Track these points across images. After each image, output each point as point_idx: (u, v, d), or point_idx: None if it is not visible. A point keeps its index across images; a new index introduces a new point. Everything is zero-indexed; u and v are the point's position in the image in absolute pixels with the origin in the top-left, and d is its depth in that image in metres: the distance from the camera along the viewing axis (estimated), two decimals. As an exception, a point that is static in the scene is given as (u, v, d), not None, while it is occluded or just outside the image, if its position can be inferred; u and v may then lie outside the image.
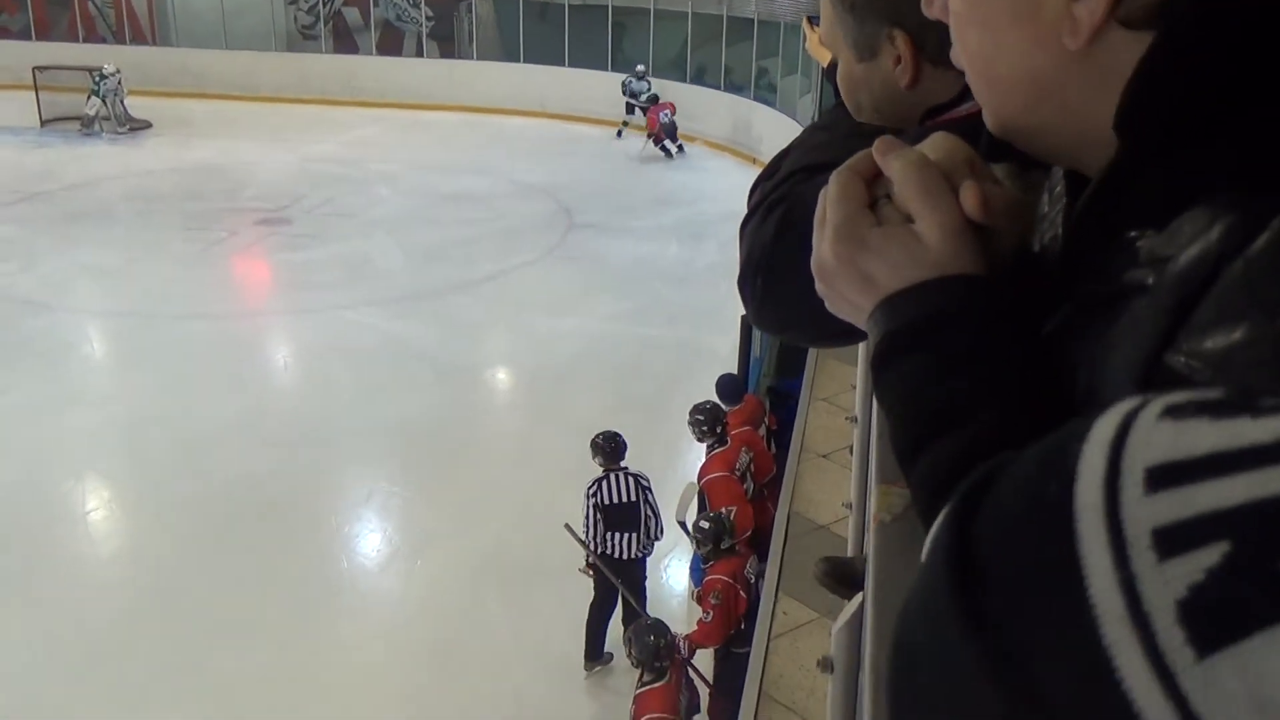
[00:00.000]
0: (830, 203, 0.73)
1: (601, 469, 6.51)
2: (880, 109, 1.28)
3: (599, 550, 6.30)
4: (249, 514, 7.89)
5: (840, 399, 4.79)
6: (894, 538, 0.74)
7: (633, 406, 9.60)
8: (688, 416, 6.83)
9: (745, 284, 1.21)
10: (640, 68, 19.26)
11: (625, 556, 6.30)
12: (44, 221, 14.21)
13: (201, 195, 15.48)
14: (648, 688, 4.85)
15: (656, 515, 6.45)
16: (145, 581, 7.25)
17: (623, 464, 6.54)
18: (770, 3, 18.46)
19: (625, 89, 19.12)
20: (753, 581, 5.42)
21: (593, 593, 6.47)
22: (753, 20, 18.49)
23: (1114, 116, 0.60)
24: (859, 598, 1.54)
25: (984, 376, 0.64)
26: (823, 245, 0.72)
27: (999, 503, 0.42)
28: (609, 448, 6.54)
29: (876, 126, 1.25)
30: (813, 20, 3.12)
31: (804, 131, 1.46)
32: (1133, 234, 0.59)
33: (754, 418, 7.24)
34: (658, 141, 18.06)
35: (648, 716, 4.73)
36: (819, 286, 0.74)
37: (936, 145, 0.71)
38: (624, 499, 6.33)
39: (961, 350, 0.65)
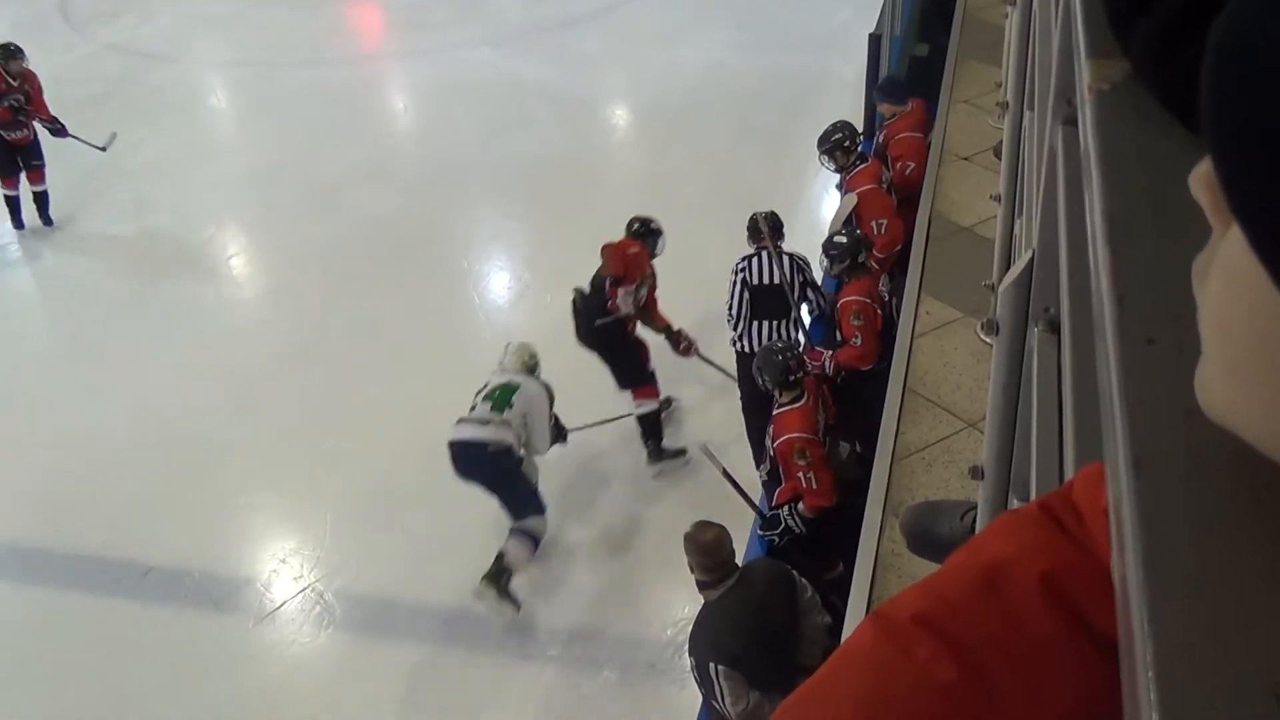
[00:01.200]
0: None
1: (753, 247, 5.83)
2: None
3: (740, 347, 5.75)
4: (382, 254, 8.09)
5: (982, 100, 4.57)
6: (1114, 108, 0.68)
7: (757, 136, 9.41)
8: (819, 145, 6.31)
9: None
10: None
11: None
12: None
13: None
14: (786, 409, 4.83)
15: (816, 301, 5.77)
16: (290, 322, 7.56)
17: (780, 245, 5.79)
18: None
19: None
20: (887, 299, 5.32)
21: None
22: None
23: None
24: (1027, 255, 1.47)
25: None
26: None
27: None
28: (760, 228, 5.77)
29: None
30: None
31: None
32: None
33: (923, 124, 6.37)
34: None
35: (788, 435, 4.75)
36: None
37: None
38: (774, 281, 5.69)
39: None
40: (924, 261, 3.58)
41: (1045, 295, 1.37)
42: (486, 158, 9.39)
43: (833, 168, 6.35)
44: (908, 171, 6.11)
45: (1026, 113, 2.33)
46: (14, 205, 8.63)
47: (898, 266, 5.58)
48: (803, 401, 4.84)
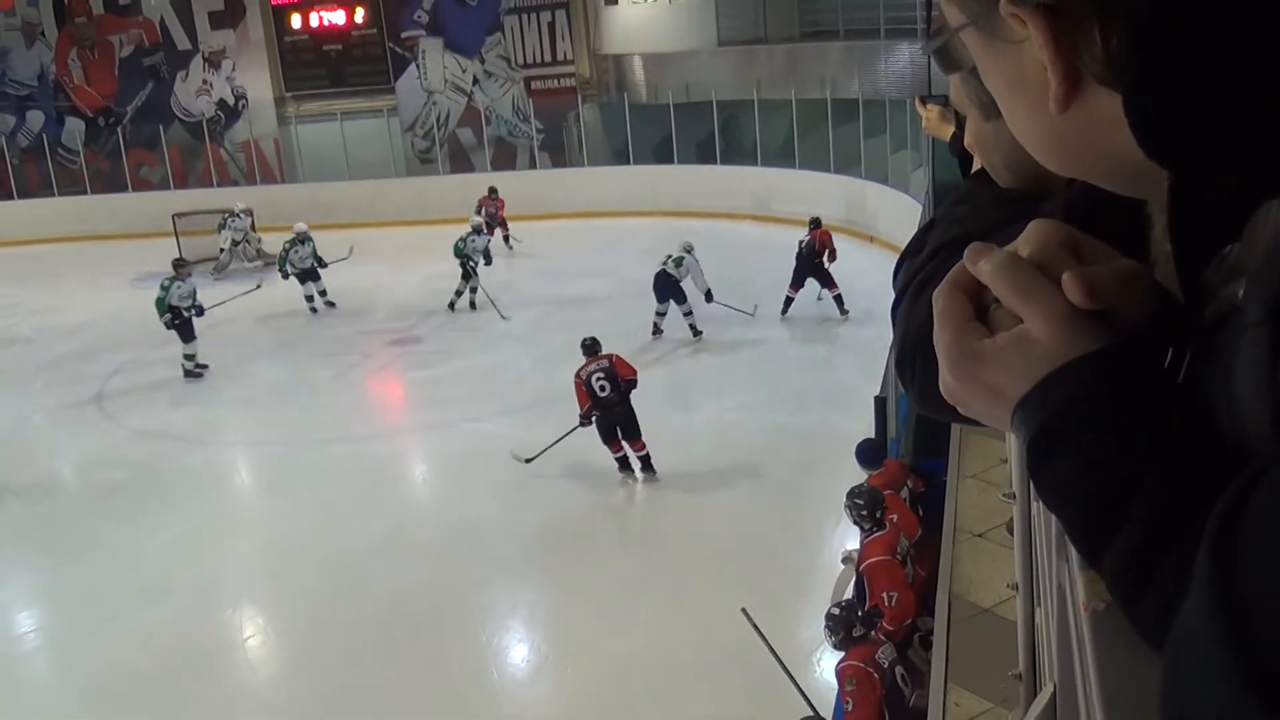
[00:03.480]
0: (936, 326, 0.71)
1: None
2: (1013, 167, 1.26)
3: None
4: (401, 632, 7.98)
5: (991, 474, 4.65)
6: (1109, 628, 0.69)
7: (770, 495, 9.51)
8: (845, 500, 6.63)
9: (904, 367, 1.18)
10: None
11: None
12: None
13: (335, 321, 16.03)
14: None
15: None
16: (304, 705, 7.36)
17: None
18: (874, 82, 18.52)
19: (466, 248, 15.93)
20: (885, 667, 5.32)
21: None
22: (857, 100, 18.55)
23: (1142, 153, 0.61)
24: (1049, 689, 1.45)
25: (1135, 451, 0.60)
26: (941, 369, 0.71)
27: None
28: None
29: (1015, 192, 1.23)
30: (925, 99, 3.09)
31: (944, 205, 1.43)
32: (1226, 249, 0.57)
33: (896, 481, 7.12)
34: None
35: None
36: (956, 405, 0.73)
37: (1030, 237, 0.69)
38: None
39: (1103, 433, 0.62)
40: (947, 648, 3.52)
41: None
42: (503, 527, 9.46)
43: (852, 521, 6.62)
44: (909, 548, 6.35)
45: (1034, 503, 2.35)
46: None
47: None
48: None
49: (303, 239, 16.51)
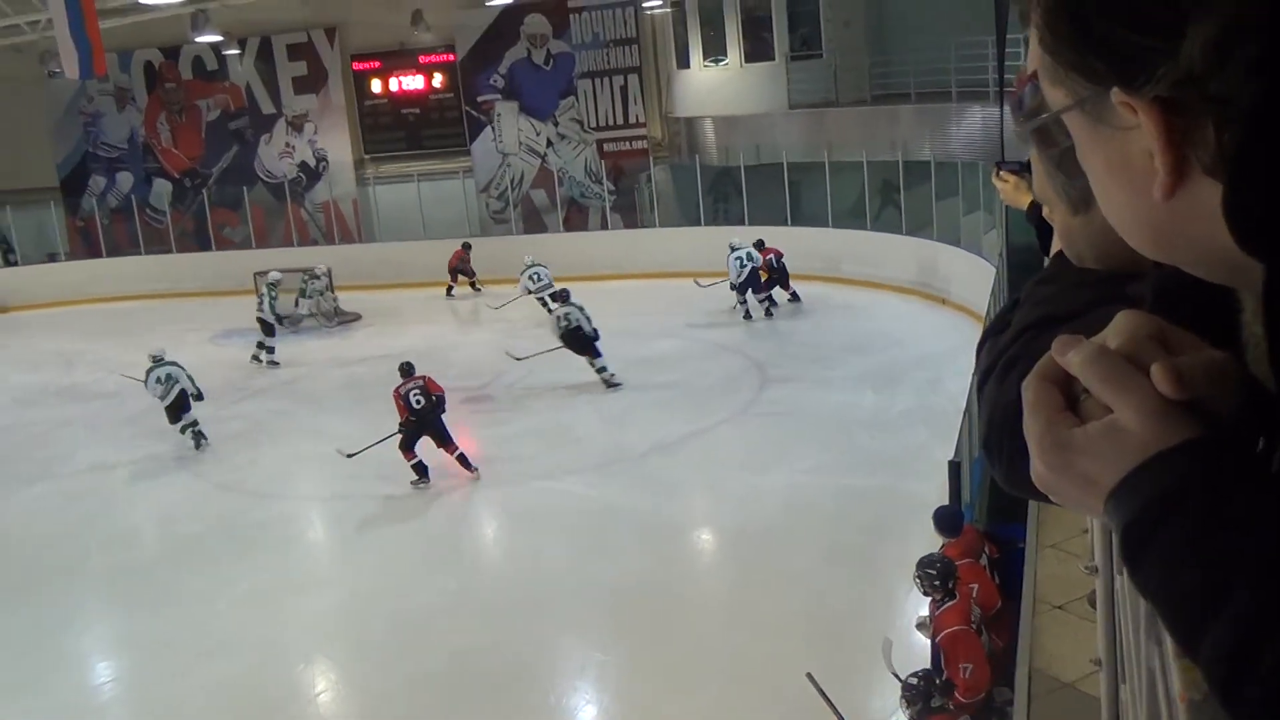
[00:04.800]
0: (1026, 415, 0.72)
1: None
2: (1101, 257, 1.26)
3: None
4: (470, 691, 7.99)
5: (1071, 544, 4.56)
6: (1207, 719, 0.69)
7: (841, 559, 9.41)
8: (916, 570, 6.52)
9: (991, 448, 1.19)
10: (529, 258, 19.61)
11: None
12: (268, 415, 15.18)
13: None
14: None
15: None
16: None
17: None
18: (945, 144, 18.49)
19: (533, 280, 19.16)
20: None
21: None
22: (929, 162, 18.52)
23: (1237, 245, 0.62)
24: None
25: (1232, 541, 0.60)
26: (1033, 459, 0.72)
27: None
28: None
29: (1101, 273, 1.24)
30: (1000, 166, 3.07)
31: (1028, 286, 1.44)
32: None
33: (973, 549, 6.99)
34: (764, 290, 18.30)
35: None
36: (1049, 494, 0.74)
37: (1118, 328, 0.70)
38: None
39: (1197, 522, 0.62)
40: (1029, 723, 3.46)
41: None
42: (573, 586, 9.45)
43: (922, 591, 6.48)
44: (980, 617, 6.27)
45: (1118, 577, 2.32)
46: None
47: None
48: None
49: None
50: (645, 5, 21.19)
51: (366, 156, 25.31)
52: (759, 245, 17.92)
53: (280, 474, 12.89)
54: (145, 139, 26.35)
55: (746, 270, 17.63)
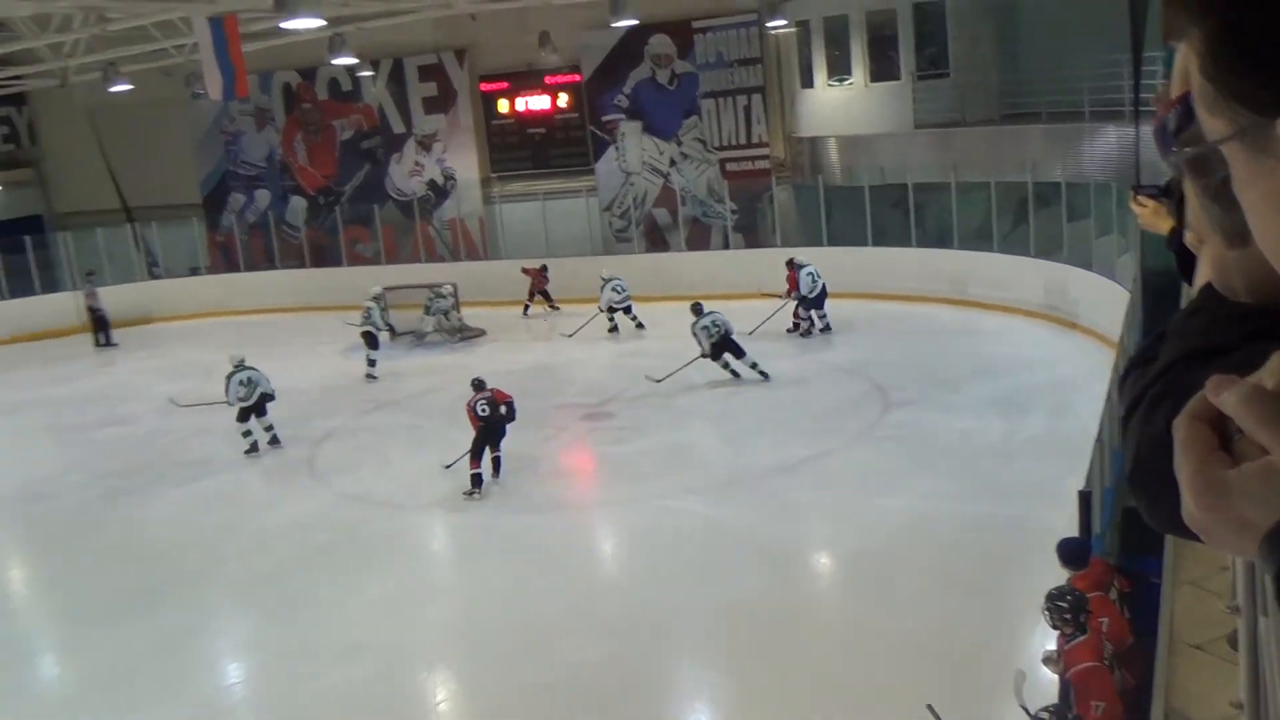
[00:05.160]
0: (1178, 455, 0.71)
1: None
2: (1255, 290, 1.24)
3: None
4: (585, 706, 8.06)
5: (1209, 582, 4.41)
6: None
7: (963, 588, 9.23)
8: (1045, 602, 6.31)
9: (1137, 484, 1.18)
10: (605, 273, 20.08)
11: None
12: (395, 427, 15.57)
13: (532, 394, 16.43)
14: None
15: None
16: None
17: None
18: (1077, 165, 18.05)
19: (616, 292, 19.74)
20: None
21: None
22: (1059, 184, 18.09)
23: None
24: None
25: None
26: (1185, 499, 0.71)
27: None
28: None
29: (1255, 307, 1.21)
30: (1138, 190, 3.00)
31: (1175, 318, 1.42)
32: None
33: (1102, 582, 6.77)
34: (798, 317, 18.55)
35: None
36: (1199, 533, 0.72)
37: (1273, 368, 0.69)
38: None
39: None
40: (1165, 766, 3.34)
41: None
42: (691, 604, 9.46)
43: (1051, 625, 6.27)
44: (1112, 652, 6.08)
45: (1262, 618, 2.24)
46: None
47: None
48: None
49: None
50: (769, 25, 21.15)
51: (493, 175, 25.81)
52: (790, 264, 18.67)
53: (407, 485, 13.19)
54: (282, 158, 27.33)
55: (819, 286, 18.00)
